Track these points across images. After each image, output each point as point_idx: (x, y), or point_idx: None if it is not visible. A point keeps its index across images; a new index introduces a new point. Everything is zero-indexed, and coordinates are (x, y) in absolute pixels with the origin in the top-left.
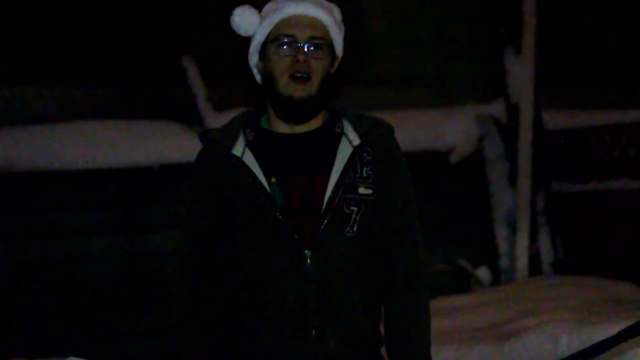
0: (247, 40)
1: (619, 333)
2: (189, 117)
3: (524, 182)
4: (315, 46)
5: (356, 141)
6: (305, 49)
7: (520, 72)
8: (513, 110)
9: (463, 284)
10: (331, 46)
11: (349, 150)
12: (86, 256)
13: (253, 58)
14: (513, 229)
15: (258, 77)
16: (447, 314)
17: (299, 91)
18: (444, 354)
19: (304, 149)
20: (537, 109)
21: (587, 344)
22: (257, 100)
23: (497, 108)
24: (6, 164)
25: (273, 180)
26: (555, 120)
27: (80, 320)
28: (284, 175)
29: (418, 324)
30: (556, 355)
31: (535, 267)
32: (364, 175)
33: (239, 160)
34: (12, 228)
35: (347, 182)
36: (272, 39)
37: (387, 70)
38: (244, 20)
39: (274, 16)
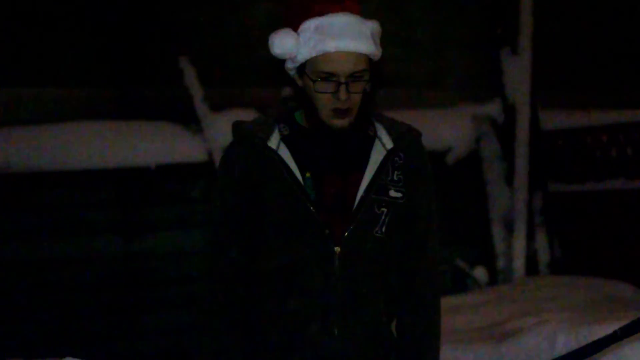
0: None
1: (615, 332)
2: (186, 118)
3: (521, 182)
4: (356, 79)
5: (389, 145)
6: (346, 86)
7: (517, 72)
8: (510, 111)
9: (460, 284)
10: (371, 66)
11: (383, 153)
12: (84, 256)
13: (291, 71)
14: (510, 229)
15: (293, 78)
16: (444, 314)
17: (340, 123)
18: (440, 354)
19: (339, 148)
20: (534, 109)
21: (584, 344)
22: (287, 97)
23: (494, 108)
24: (4, 164)
25: (307, 175)
26: (552, 120)
27: (79, 320)
28: (319, 171)
29: (431, 331)
30: (553, 354)
31: (532, 267)
32: (395, 178)
33: (275, 153)
34: (9, 228)
35: (379, 183)
36: (312, 74)
37: (384, 71)
38: (283, 49)
39: (312, 50)
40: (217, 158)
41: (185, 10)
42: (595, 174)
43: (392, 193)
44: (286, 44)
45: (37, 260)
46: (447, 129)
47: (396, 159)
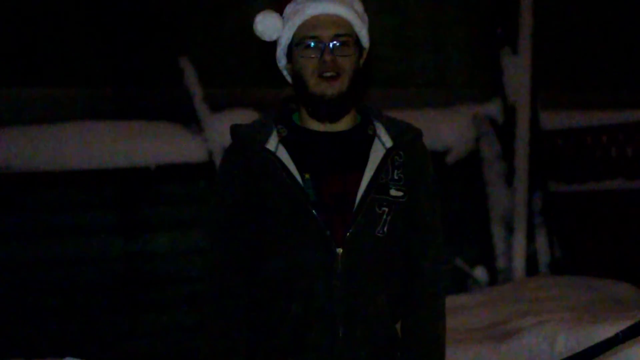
0: (271, 42)
1: (617, 335)
2: (186, 118)
3: (521, 182)
4: (341, 43)
5: (389, 144)
6: (331, 48)
7: (517, 72)
8: (510, 111)
9: (460, 284)
10: (357, 40)
11: (382, 152)
12: (83, 256)
13: (281, 61)
14: (510, 229)
15: (288, 79)
16: None
17: (330, 89)
18: None
19: (338, 148)
20: (534, 109)
21: (584, 344)
22: (286, 98)
23: (494, 108)
24: (4, 164)
25: (307, 176)
26: (552, 120)
27: (79, 320)
28: (318, 172)
29: (435, 331)
30: (553, 355)
31: (532, 267)
32: (395, 177)
33: (273, 155)
34: (9, 228)
35: (379, 183)
36: (297, 42)
37: (384, 71)
38: (266, 26)
39: (296, 19)
40: (217, 158)
41: (185, 10)
42: (595, 174)
43: (393, 192)
44: (269, 21)
45: (37, 260)
46: (447, 129)
47: (396, 157)
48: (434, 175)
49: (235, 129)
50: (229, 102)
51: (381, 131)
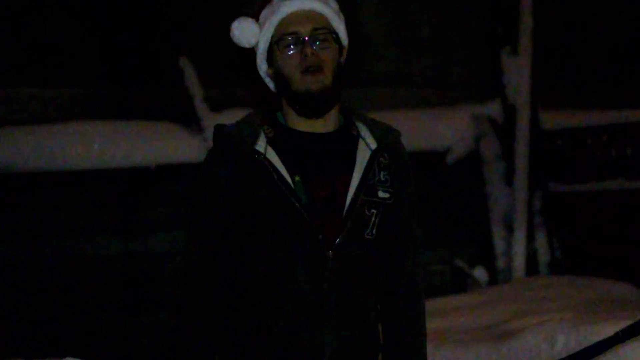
0: (251, 51)
1: (617, 334)
2: (186, 118)
3: (521, 182)
4: (320, 37)
5: (373, 145)
6: (311, 42)
7: (517, 72)
8: (510, 111)
9: (460, 284)
10: (335, 35)
11: (368, 153)
12: (83, 256)
13: (262, 67)
14: (510, 229)
15: (271, 85)
16: (444, 314)
17: (315, 84)
18: (440, 354)
19: (325, 150)
20: (534, 109)
21: (584, 344)
22: (265, 99)
23: (494, 108)
24: (4, 164)
25: (297, 178)
26: (552, 120)
27: (79, 320)
28: (307, 174)
29: (416, 330)
30: (553, 355)
31: (532, 267)
32: (382, 179)
33: (263, 156)
34: (10, 228)
35: (367, 184)
36: (276, 41)
37: (384, 71)
38: (243, 32)
39: (272, 19)
40: None
41: (185, 10)
42: (595, 174)
43: (381, 194)
44: (245, 27)
45: (37, 260)
46: (447, 129)
47: (381, 159)
48: (413, 176)
49: (220, 130)
50: (229, 102)
51: (365, 132)
